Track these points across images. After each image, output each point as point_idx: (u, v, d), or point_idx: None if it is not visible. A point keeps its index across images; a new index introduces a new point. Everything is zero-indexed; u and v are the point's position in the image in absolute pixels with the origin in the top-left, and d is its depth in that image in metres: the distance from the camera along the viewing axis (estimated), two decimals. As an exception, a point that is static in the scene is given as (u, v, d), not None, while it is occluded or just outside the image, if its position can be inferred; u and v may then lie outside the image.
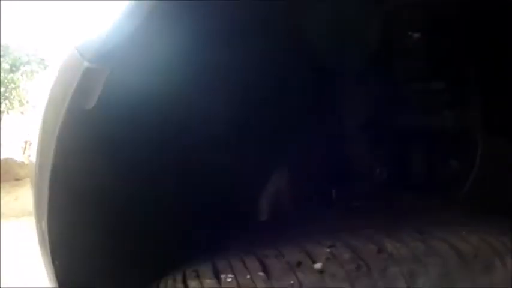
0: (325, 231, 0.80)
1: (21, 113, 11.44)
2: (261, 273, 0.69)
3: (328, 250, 0.69)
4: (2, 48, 10.49)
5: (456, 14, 1.06)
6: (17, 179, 9.88)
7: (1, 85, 10.76)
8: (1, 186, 9.09)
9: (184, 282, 0.76)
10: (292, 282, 0.66)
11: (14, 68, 10.94)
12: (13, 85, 11.02)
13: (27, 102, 11.36)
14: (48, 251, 0.83)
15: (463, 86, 1.10)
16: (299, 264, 0.68)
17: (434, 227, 0.76)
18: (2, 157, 10.41)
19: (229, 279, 0.71)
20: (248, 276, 0.69)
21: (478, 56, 1.08)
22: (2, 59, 10.59)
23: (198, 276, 0.75)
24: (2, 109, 11.09)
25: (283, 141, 1.20)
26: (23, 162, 10.51)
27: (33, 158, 0.88)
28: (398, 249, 0.68)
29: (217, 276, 0.73)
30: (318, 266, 0.67)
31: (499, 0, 0.94)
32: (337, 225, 0.88)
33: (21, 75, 11.21)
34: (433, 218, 0.89)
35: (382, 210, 1.05)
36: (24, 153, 11.67)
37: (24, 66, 11.09)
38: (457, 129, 1.12)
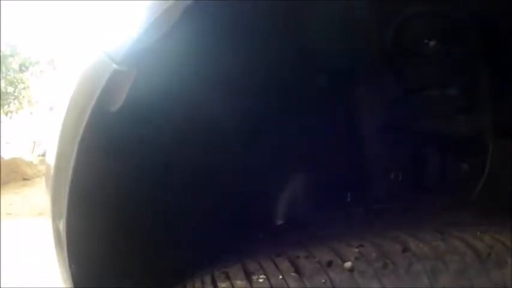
0: (352, 232, 0.84)
1: (31, 113, 11.48)
2: (294, 274, 0.71)
3: (356, 250, 0.73)
4: (10, 48, 10.54)
5: (469, 20, 1.08)
6: (25, 179, 9.92)
7: (11, 85, 10.80)
8: (9, 185, 9.14)
9: (214, 283, 0.77)
10: (323, 281, 0.69)
11: (23, 68, 10.97)
12: (22, 85, 11.06)
13: (36, 102, 11.40)
14: (65, 251, 0.83)
15: (475, 91, 1.11)
16: (330, 263, 0.71)
17: (451, 227, 0.80)
18: (10, 156, 10.46)
19: (261, 280, 0.72)
20: (280, 277, 0.71)
21: (488, 60, 1.09)
22: (11, 59, 10.63)
23: (228, 278, 0.76)
24: (11, 109, 11.13)
25: (297, 143, 1.21)
26: (31, 162, 10.56)
27: (51, 158, 0.88)
28: (421, 248, 0.71)
29: (248, 278, 0.74)
30: (348, 265, 0.70)
31: (506, 5, 0.96)
32: (361, 227, 0.91)
33: (31, 75, 11.25)
34: (448, 219, 0.92)
35: (401, 212, 1.07)
36: (32, 152, 11.72)
37: (33, 66, 11.12)
38: (468, 133, 1.13)
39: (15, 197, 8.29)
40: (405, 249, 0.71)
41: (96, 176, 0.83)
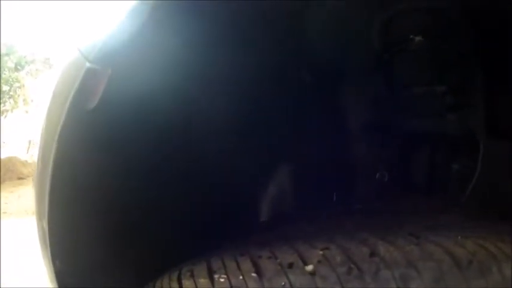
0: (322, 233, 0.80)
1: (26, 112, 11.45)
2: (254, 274, 0.69)
3: (320, 252, 0.69)
4: (6, 47, 10.52)
5: (460, 17, 1.06)
6: (21, 178, 9.90)
7: (6, 84, 10.78)
8: (5, 184, 9.12)
9: (179, 281, 0.76)
10: (283, 283, 0.66)
11: (19, 67, 10.96)
12: (18, 84, 11.04)
13: (31, 101, 11.38)
14: (49, 250, 0.83)
15: (465, 89, 1.10)
16: (291, 265, 0.68)
17: (431, 231, 0.76)
18: (6, 156, 10.44)
19: (222, 280, 0.71)
20: (241, 277, 0.69)
21: (481, 59, 1.07)
22: (6, 58, 10.61)
23: (192, 276, 0.75)
24: (7, 108, 11.11)
25: (285, 142, 1.20)
26: (27, 161, 10.54)
27: (36, 157, 0.89)
28: (391, 253, 0.67)
29: (211, 276, 0.73)
30: (309, 268, 0.67)
31: (503, 3, 0.95)
32: (334, 227, 0.88)
33: (26, 74, 11.24)
34: (432, 221, 0.89)
35: (382, 213, 1.04)
36: (27, 152, 11.69)
37: (29, 65, 11.12)
38: (459, 133, 1.12)
39: (11, 196, 8.28)
40: (373, 254, 0.67)
41: (75, 173, 0.83)
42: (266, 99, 1.14)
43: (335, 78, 1.19)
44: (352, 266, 0.65)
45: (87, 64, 0.75)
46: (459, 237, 0.73)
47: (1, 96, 10.70)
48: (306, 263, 0.68)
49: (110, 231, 0.91)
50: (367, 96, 1.20)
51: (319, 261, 0.67)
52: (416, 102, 1.14)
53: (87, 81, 0.75)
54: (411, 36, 1.08)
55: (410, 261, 0.66)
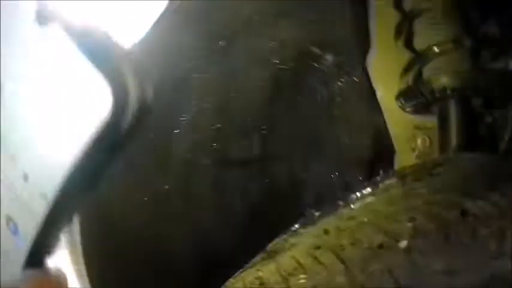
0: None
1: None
2: (340, 266, 0.60)
3: (409, 225, 0.62)
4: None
5: None
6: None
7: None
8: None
9: None
10: (376, 268, 0.58)
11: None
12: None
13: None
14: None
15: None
16: (381, 246, 0.60)
17: (504, 180, 0.69)
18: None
19: (302, 281, 0.62)
20: (324, 273, 0.61)
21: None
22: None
23: (263, 284, 0.66)
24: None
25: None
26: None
27: None
28: (482, 208, 0.61)
29: (285, 281, 0.64)
30: (403, 244, 0.59)
31: None
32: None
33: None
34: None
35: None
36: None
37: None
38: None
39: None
40: (464, 213, 0.60)
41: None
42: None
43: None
44: (447, 231, 0.59)
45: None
46: None
47: None
48: (397, 240, 0.60)
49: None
50: None
51: (411, 235, 0.60)
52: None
53: None
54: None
55: (503, 212, 0.60)
